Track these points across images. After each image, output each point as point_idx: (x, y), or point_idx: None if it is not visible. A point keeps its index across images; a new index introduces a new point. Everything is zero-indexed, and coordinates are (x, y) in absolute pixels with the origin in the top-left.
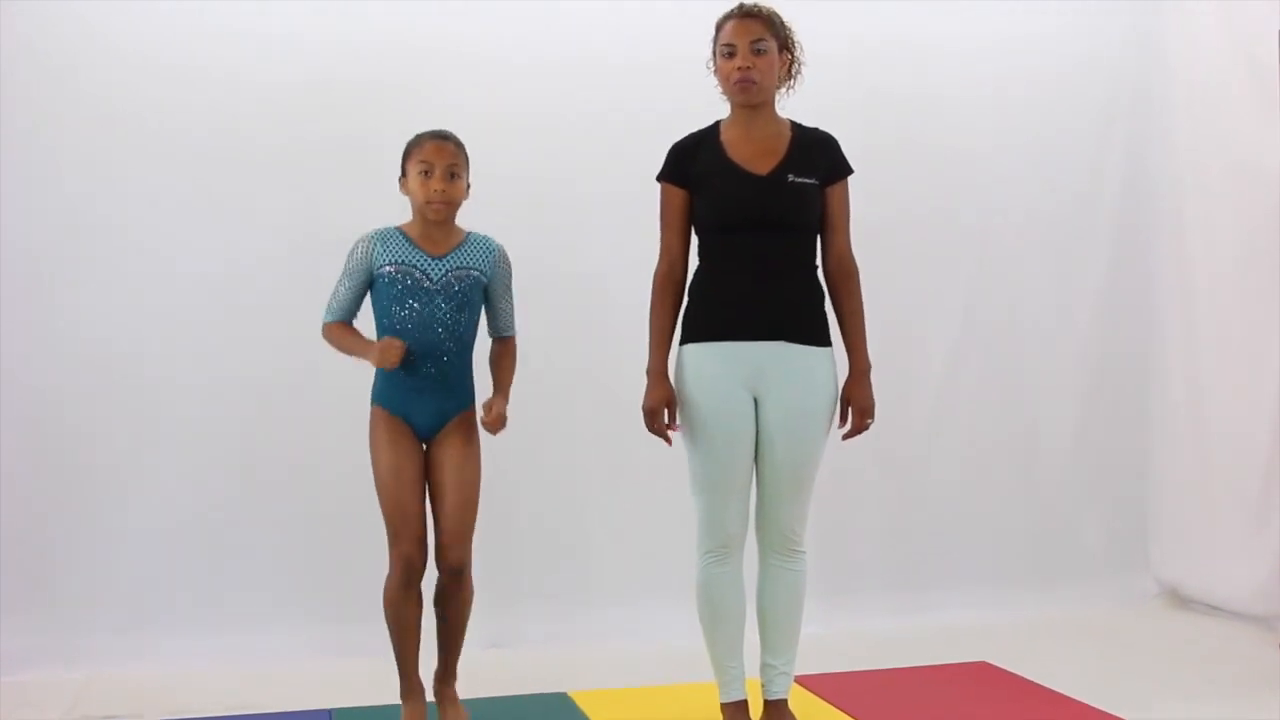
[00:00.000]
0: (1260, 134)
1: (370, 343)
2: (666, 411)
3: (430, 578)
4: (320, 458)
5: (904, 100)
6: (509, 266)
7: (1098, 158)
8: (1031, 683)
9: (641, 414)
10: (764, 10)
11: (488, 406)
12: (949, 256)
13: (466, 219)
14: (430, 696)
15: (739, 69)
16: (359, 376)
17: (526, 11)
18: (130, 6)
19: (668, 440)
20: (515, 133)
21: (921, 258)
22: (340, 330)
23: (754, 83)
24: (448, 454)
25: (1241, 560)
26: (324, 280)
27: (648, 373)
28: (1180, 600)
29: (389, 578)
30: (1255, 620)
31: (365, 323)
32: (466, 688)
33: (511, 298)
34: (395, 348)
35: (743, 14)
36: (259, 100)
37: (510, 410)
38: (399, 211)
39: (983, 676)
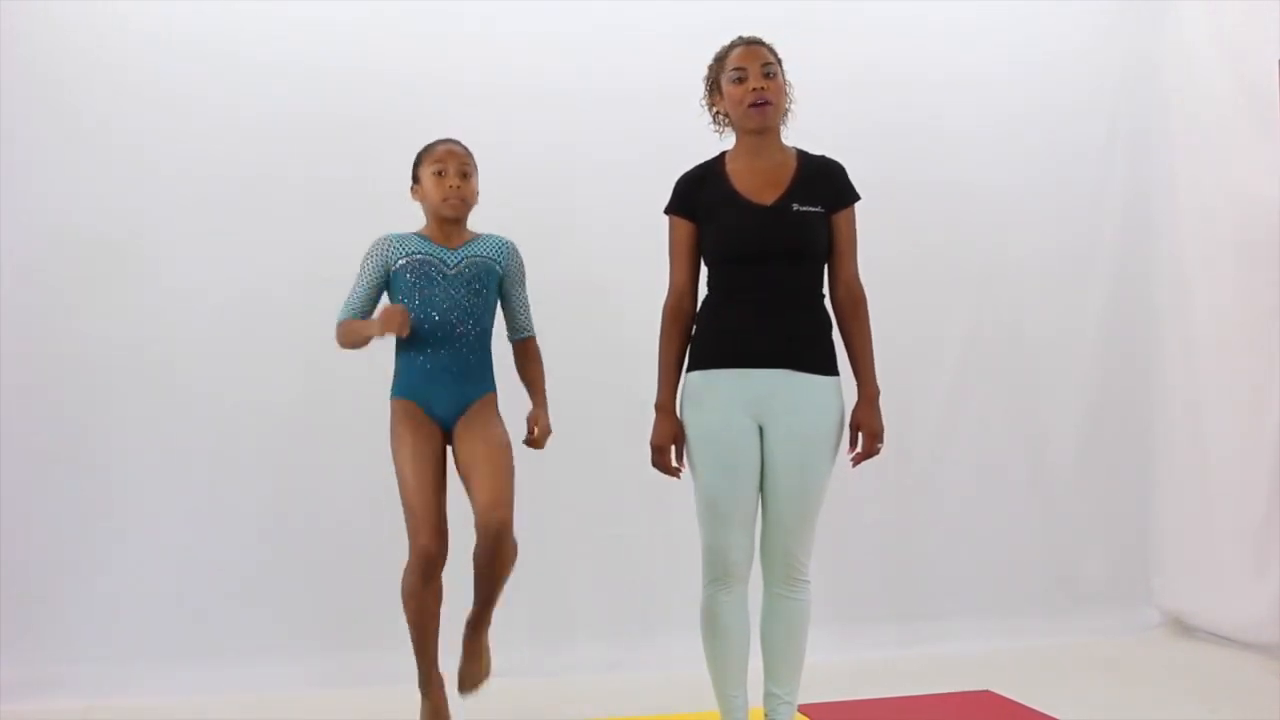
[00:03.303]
0: (1259, 162)
1: (372, 320)
2: (674, 449)
3: (454, 571)
4: (324, 488)
5: (906, 132)
6: (521, 261)
7: (1099, 187)
8: (1035, 712)
9: (650, 449)
10: (764, 40)
11: (531, 422)
12: (950, 287)
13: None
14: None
15: (754, 90)
16: (366, 406)
17: (537, 44)
18: (144, 34)
19: (675, 475)
20: (526, 165)
21: (923, 288)
22: (348, 322)
23: (769, 103)
24: (474, 431)
25: (1244, 589)
26: (337, 306)
27: (655, 408)
28: (1183, 629)
29: (407, 570)
30: (1258, 649)
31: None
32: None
33: (526, 295)
34: (397, 309)
35: (751, 40)
36: (273, 126)
37: (517, 440)
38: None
39: (986, 706)
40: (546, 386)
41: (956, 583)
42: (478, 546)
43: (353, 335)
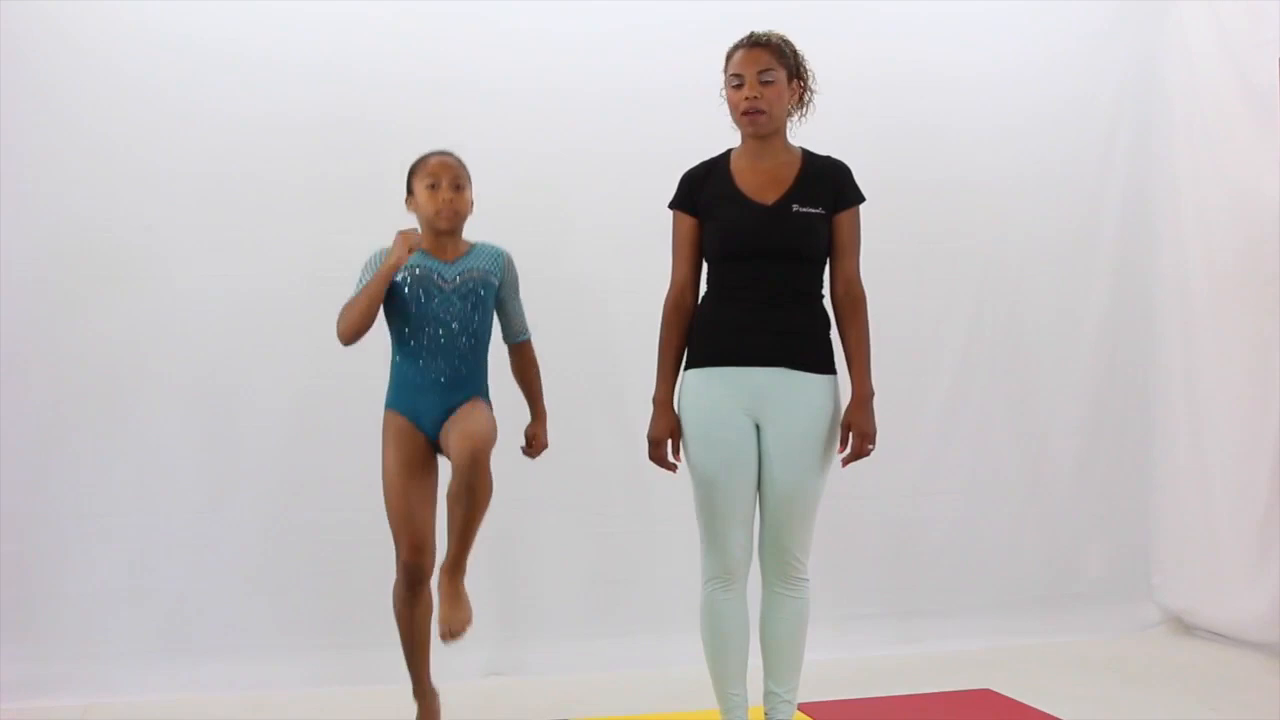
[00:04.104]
0: (1259, 161)
1: (384, 263)
2: (670, 443)
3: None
4: (324, 487)
5: (907, 131)
6: (516, 271)
7: (1099, 187)
8: (1035, 710)
9: (646, 443)
10: (773, 39)
11: (530, 436)
12: (951, 286)
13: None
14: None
15: (746, 99)
16: (366, 406)
17: (541, 43)
18: (146, 34)
19: (672, 469)
20: (527, 167)
21: (923, 287)
22: (348, 303)
23: (762, 113)
24: (457, 415)
25: (1244, 588)
26: (339, 305)
27: (653, 402)
28: (1183, 628)
29: (395, 583)
30: (1259, 648)
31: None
32: (467, 719)
33: (520, 302)
34: (410, 231)
35: (751, 44)
36: (276, 126)
37: (511, 438)
38: None
39: (986, 704)
40: (545, 390)
41: (956, 581)
42: (452, 481)
43: (363, 300)
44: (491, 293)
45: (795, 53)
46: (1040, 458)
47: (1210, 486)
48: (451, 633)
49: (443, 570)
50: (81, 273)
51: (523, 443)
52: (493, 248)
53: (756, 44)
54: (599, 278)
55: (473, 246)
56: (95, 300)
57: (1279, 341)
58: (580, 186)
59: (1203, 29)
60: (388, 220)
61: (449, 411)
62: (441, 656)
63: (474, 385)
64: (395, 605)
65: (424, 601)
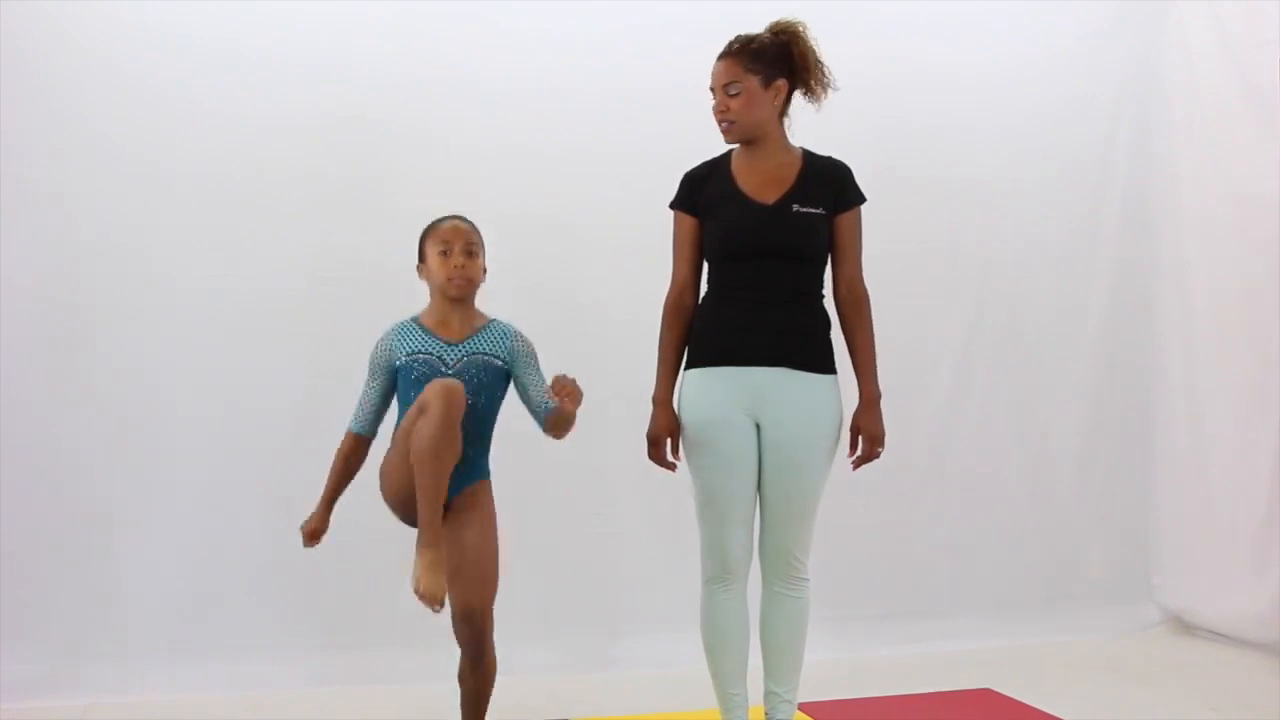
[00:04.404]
0: (1259, 160)
1: (319, 512)
2: (670, 442)
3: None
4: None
5: (907, 131)
6: (529, 346)
7: (1099, 187)
8: (1035, 710)
9: (646, 443)
10: (749, 44)
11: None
12: (951, 287)
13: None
14: None
15: (716, 112)
16: None
17: (543, 44)
18: (146, 35)
19: (671, 468)
20: (527, 167)
21: (923, 288)
22: (340, 457)
23: (731, 123)
24: (459, 532)
25: (1244, 587)
26: (338, 312)
27: (653, 401)
28: (1183, 627)
29: (417, 423)
30: (1259, 647)
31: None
32: None
33: (542, 376)
34: (309, 534)
35: (722, 54)
36: (273, 128)
37: (513, 438)
38: (409, 245)
39: (986, 704)
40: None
41: (956, 581)
42: (460, 659)
43: (328, 479)
44: (496, 375)
45: (786, 46)
46: (1040, 458)
47: (1210, 486)
48: (421, 593)
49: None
50: (81, 272)
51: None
52: (502, 326)
53: (724, 55)
54: (599, 278)
55: (485, 324)
56: (95, 300)
57: (1279, 343)
58: (580, 186)
59: (1203, 29)
60: (388, 220)
61: (453, 493)
62: (442, 656)
63: (479, 470)
64: (420, 441)
65: (455, 441)
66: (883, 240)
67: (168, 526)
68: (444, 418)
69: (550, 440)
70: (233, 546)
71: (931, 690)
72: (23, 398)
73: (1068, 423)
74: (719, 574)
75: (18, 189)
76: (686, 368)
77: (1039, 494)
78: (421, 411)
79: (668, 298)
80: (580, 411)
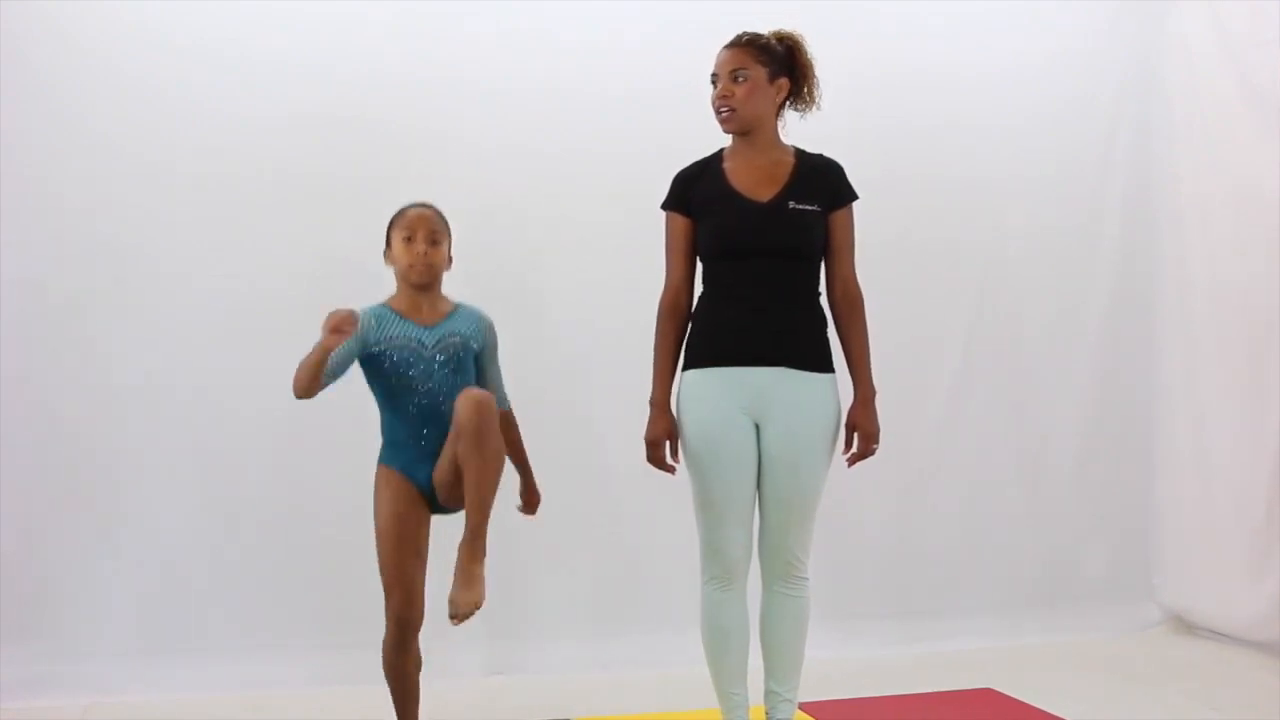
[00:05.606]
0: (1259, 160)
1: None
2: (668, 444)
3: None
4: (325, 487)
5: (907, 131)
6: (495, 337)
7: (1099, 186)
8: (1036, 710)
9: (644, 445)
10: (758, 39)
11: (525, 495)
12: (952, 285)
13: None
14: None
15: (719, 97)
16: (366, 406)
17: (539, 45)
18: (146, 34)
19: (670, 471)
20: (526, 167)
21: (924, 287)
22: (301, 362)
23: (732, 110)
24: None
25: (1245, 587)
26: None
27: (650, 403)
28: (1184, 627)
29: (385, 636)
30: (1259, 647)
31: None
32: (468, 718)
33: (499, 369)
34: (338, 314)
35: (730, 44)
36: (273, 128)
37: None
38: None
39: (987, 704)
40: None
41: (957, 580)
42: (460, 443)
43: (306, 366)
44: (471, 356)
45: (790, 52)
46: (1040, 458)
47: (1210, 486)
48: (459, 615)
49: (461, 545)
50: (80, 272)
51: (518, 502)
52: (473, 311)
53: (734, 44)
54: (598, 278)
55: (454, 309)
56: (94, 299)
57: (1279, 342)
58: (580, 186)
59: (1203, 29)
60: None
61: None
62: (441, 657)
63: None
64: (385, 656)
65: (414, 654)
66: (883, 240)
67: (168, 526)
68: (486, 432)
69: (550, 440)
70: (232, 546)
71: (931, 690)
72: (22, 397)
73: (1067, 423)
74: (718, 574)
75: (18, 189)
76: (684, 368)
77: (1039, 494)
78: (460, 435)
79: (662, 299)
80: (580, 412)
